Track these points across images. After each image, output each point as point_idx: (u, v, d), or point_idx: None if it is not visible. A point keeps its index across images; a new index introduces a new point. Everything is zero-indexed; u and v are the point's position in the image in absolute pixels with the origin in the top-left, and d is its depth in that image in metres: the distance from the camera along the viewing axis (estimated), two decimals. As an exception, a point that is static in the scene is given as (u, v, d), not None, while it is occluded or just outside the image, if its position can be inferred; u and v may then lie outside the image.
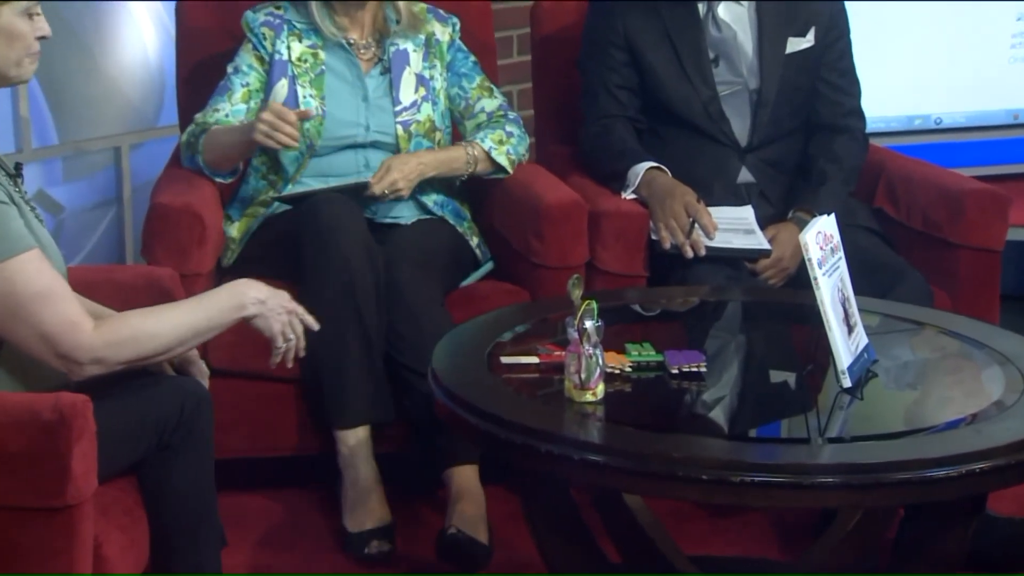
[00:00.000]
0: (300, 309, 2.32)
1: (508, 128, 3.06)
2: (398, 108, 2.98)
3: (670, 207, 3.00)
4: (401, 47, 3.00)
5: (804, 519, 2.85)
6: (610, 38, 3.15)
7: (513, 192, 3.06)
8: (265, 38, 2.96)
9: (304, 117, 2.83)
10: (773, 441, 2.27)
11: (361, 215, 2.82)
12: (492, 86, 3.12)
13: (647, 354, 2.38)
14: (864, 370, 2.36)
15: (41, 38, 2.23)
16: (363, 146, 2.98)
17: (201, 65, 3.26)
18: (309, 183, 2.94)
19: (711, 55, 3.12)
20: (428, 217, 3.02)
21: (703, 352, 2.38)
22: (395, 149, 2.98)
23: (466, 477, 2.76)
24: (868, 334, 2.41)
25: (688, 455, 2.06)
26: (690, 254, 2.97)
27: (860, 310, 2.40)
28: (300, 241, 2.77)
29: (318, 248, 2.74)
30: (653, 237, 3.04)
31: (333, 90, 2.96)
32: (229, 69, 2.98)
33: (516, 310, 2.72)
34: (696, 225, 2.98)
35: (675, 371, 2.34)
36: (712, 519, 2.91)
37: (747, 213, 3.07)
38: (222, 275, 2.90)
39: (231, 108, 2.95)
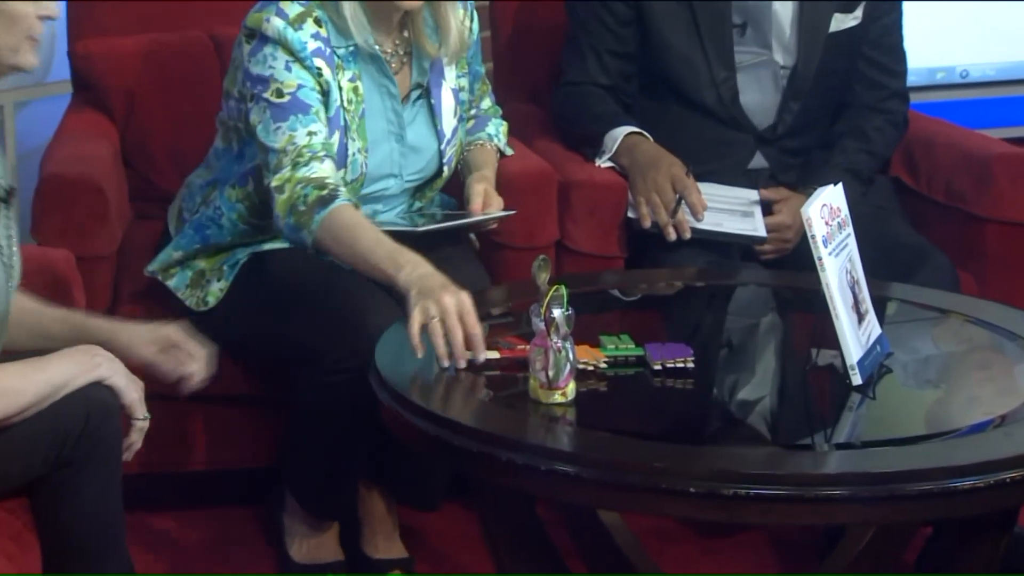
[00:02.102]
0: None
1: (501, 117, 3.04)
2: (444, 145, 2.81)
3: (653, 179, 3.01)
4: (435, 55, 2.80)
5: (808, 538, 2.88)
6: None
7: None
8: (320, 74, 2.68)
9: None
10: (771, 447, 2.29)
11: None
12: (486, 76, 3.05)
13: (625, 348, 2.40)
14: (877, 365, 2.39)
15: (46, 18, 2.20)
16: (384, 198, 2.81)
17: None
18: None
19: (737, 20, 3.09)
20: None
21: (689, 345, 2.40)
22: (425, 187, 2.85)
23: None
24: (881, 323, 2.44)
25: (673, 464, 2.08)
26: (673, 236, 2.98)
27: (872, 295, 2.42)
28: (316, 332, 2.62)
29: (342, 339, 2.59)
30: (631, 215, 3.05)
31: (371, 134, 2.74)
32: (289, 79, 2.65)
33: (474, 298, 2.73)
34: (683, 202, 3.00)
35: (658, 367, 2.36)
36: (701, 539, 2.93)
37: (750, 194, 3.09)
38: (195, 319, 2.73)
39: (325, 129, 2.66)
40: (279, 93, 2.67)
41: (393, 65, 2.78)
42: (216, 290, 2.77)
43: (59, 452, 2.21)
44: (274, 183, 2.63)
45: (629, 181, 3.06)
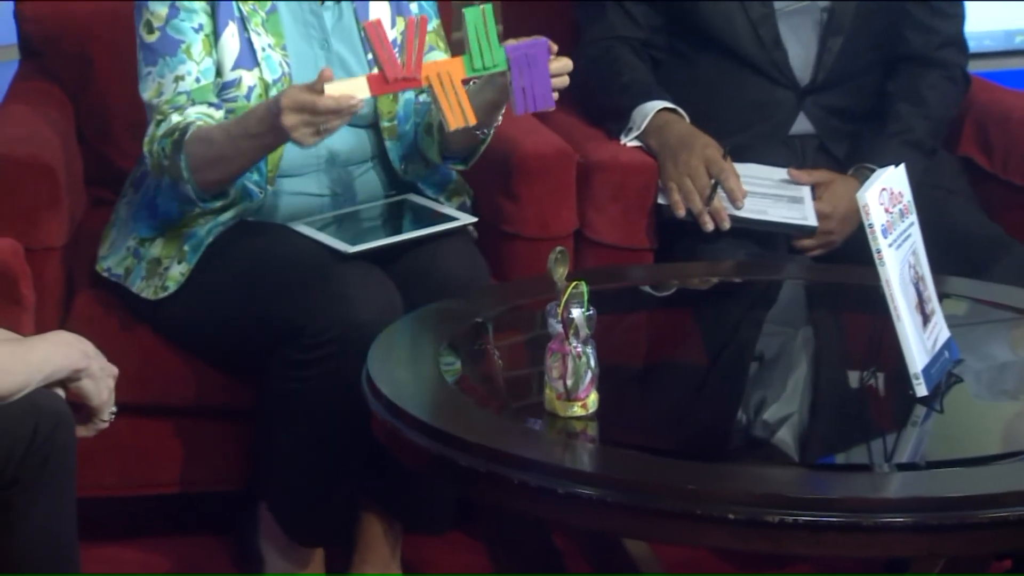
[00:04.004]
0: (115, 370, 2.36)
1: None
2: (372, 56, 2.86)
3: (685, 162, 3.02)
4: None
5: (865, 573, 2.89)
6: None
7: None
8: None
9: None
10: (824, 469, 2.29)
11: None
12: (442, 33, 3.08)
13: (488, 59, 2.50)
14: (944, 374, 2.40)
15: None
16: None
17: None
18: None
19: None
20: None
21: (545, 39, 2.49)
22: (372, 120, 2.89)
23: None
24: (950, 326, 2.45)
25: (710, 487, 2.08)
26: (710, 226, 2.99)
27: (939, 294, 2.43)
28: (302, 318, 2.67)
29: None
30: (661, 201, 3.06)
31: (289, 35, 2.83)
32: (159, 9, 2.77)
33: (480, 295, 2.74)
34: (720, 188, 3.01)
35: (516, 54, 2.49)
36: (743, 572, 2.94)
37: (793, 176, 3.10)
38: (149, 309, 2.83)
39: (199, 69, 2.77)
40: (149, 28, 2.79)
41: None
42: (176, 274, 2.80)
43: (3, 470, 2.21)
44: (144, 147, 2.77)
45: (659, 163, 3.06)
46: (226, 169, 2.70)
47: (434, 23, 2.95)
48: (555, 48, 2.59)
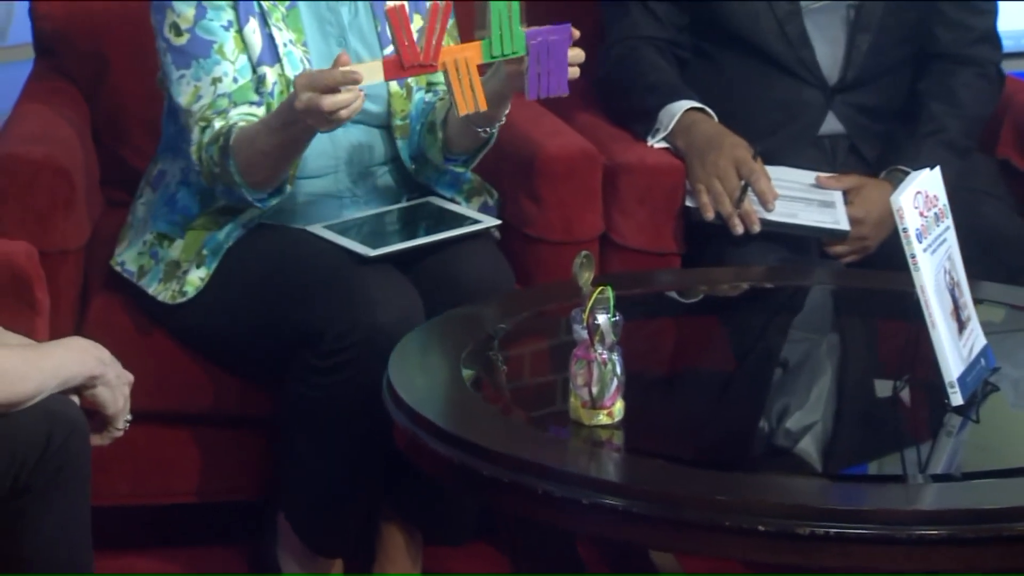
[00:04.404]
0: (131, 376, 2.37)
1: None
2: (389, 51, 2.87)
3: (714, 163, 3.02)
4: None
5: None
6: None
7: (500, 139, 3.07)
8: None
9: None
10: (856, 479, 2.29)
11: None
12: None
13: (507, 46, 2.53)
14: (980, 382, 2.39)
15: None
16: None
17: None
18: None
19: None
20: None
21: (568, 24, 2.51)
22: (385, 120, 2.90)
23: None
24: (986, 333, 2.43)
25: (739, 498, 2.08)
26: (740, 229, 2.99)
27: (975, 300, 2.42)
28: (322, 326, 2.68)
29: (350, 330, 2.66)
30: (689, 203, 3.05)
31: (308, 30, 2.84)
32: (185, 10, 2.77)
33: (503, 300, 2.74)
34: (750, 190, 3.00)
35: (536, 41, 2.50)
36: (771, 587, 2.94)
37: (825, 181, 3.09)
38: (166, 313, 2.83)
39: (235, 68, 2.77)
40: (177, 30, 2.77)
41: None
42: (195, 279, 2.80)
43: (16, 477, 2.21)
44: (192, 156, 2.75)
45: (686, 166, 3.06)
46: (272, 165, 2.70)
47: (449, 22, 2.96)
48: (577, 34, 2.59)
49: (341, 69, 2.53)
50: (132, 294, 2.88)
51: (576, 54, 2.61)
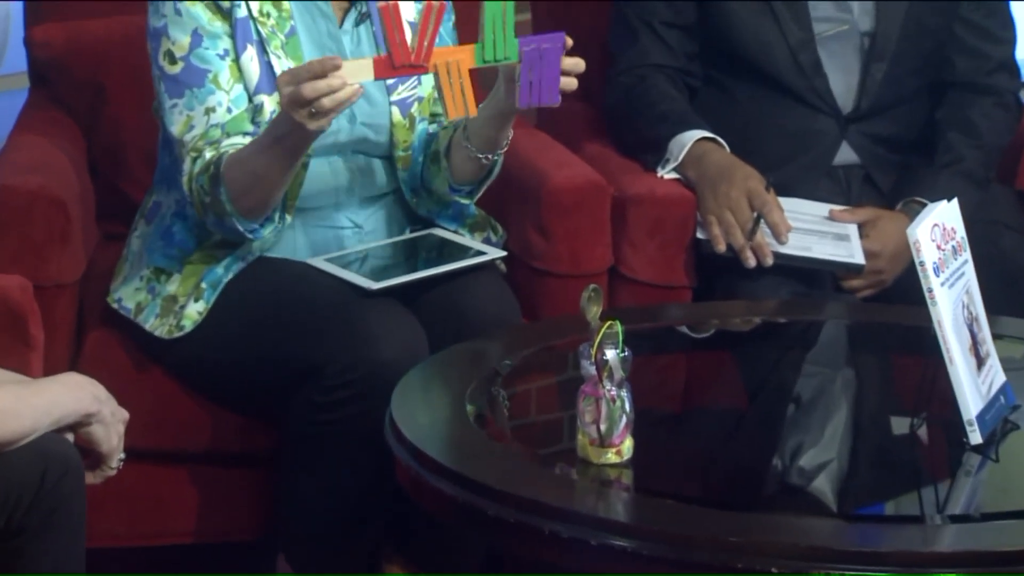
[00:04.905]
0: (126, 414, 2.37)
1: None
2: (391, 81, 2.87)
3: (725, 194, 3.02)
4: None
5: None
6: None
7: (507, 169, 3.08)
8: None
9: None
10: (873, 520, 2.28)
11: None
12: None
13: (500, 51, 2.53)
14: (1000, 420, 2.38)
15: None
16: (341, 150, 2.89)
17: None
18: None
19: None
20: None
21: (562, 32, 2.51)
22: (386, 150, 2.90)
23: None
24: (1005, 369, 2.43)
25: (751, 539, 2.07)
26: (752, 262, 2.98)
27: (994, 335, 2.42)
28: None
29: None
30: (700, 235, 3.05)
31: (308, 58, 2.83)
32: (180, 38, 2.77)
33: (510, 335, 2.73)
34: (762, 222, 3.00)
35: (529, 48, 2.50)
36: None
37: (840, 213, 3.09)
38: (163, 349, 2.84)
39: (230, 98, 2.78)
40: (172, 58, 2.77)
41: None
42: (193, 312, 2.80)
43: (10, 518, 2.21)
44: (184, 187, 2.76)
45: (698, 196, 3.06)
46: (264, 188, 2.69)
47: (449, 21, 2.97)
48: (570, 43, 2.58)
49: (322, 58, 2.54)
50: (128, 329, 2.88)
51: (575, 63, 2.61)
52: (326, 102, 2.53)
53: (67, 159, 3.06)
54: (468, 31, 3.10)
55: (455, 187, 2.87)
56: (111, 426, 2.33)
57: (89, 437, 2.32)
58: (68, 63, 3.27)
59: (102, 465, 2.35)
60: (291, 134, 2.60)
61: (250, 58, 2.79)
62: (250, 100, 2.79)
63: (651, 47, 3.18)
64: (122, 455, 2.36)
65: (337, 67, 2.53)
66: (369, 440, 2.55)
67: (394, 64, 2.53)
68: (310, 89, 2.52)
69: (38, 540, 2.23)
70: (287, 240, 2.85)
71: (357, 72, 2.53)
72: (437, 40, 2.59)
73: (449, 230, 2.92)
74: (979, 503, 2.31)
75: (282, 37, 2.81)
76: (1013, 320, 2.73)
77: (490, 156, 2.80)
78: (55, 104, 3.28)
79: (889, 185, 3.18)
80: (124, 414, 2.36)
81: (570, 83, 2.60)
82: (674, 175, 3.11)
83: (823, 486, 2.34)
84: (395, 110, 2.88)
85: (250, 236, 2.76)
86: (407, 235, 2.92)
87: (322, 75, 2.52)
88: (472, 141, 2.78)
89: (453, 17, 2.97)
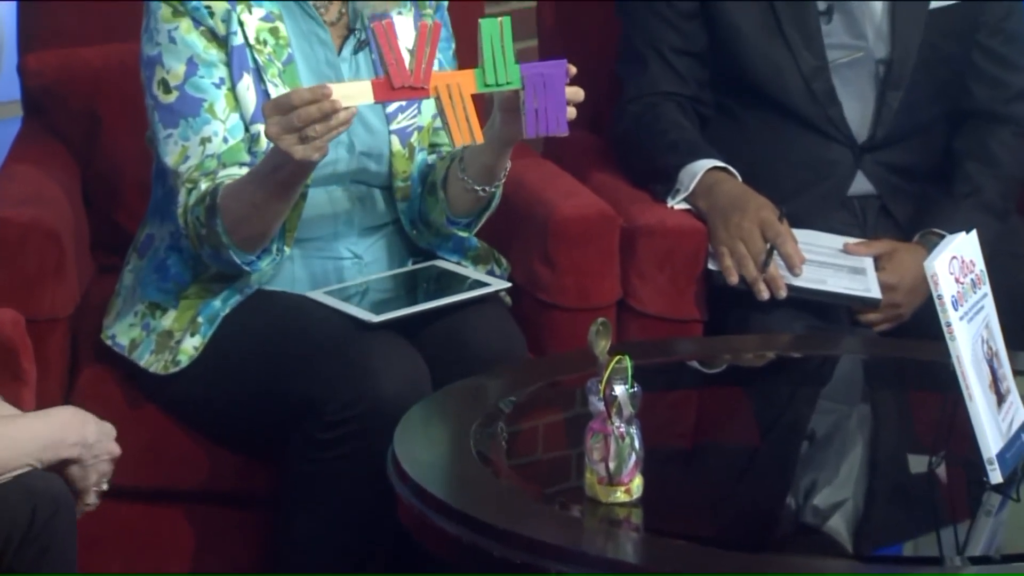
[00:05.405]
0: (116, 451, 2.36)
1: None
2: (391, 109, 2.91)
3: (738, 225, 3.02)
4: (379, 9, 2.88)
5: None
6: None
7: (512, 200, 3.08)
8: (212, 13, 2.78)
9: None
10: (890, 561, 2.27)
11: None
12: None
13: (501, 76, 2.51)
14: (1021, 458, 2.37)
15: None
16: (340, 180, 2.89)
17: (54, 15, 3.28)
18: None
19: (821, 5, 3.13)
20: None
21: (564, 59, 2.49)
22: (386, 180, 2.90)
23: None
24: (1026, 405, 2.43)
25: (766, 581, 2.07)
26: (765, 295, 2.98)
27: (1015, 371, 2.41)
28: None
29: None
30: (712, 267, 3.05)
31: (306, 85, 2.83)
32: (175, 67, 2.77)
33: (515, 370, 2.73)
34: (776, 254, 2.99)
35: (531, 72, 2.48)
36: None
37: (855, 245, 3.09)
38: (158, 385, 2.83)
39: (226, 128, 2.77)
40: (166, 87, 2.78)
41: (322, 12, 2.84)
42: (189, 348, 2.79)
43: (0, 557, 2.20)
44: (179, 219, 2.76)
45: (709, 228, 3.06)
46: (262, 219, 2.69)
47: (449, 49, 2.97)
48: (573, 71, 2.58)
49: (311, 87, 2.53)
50: (122, 365, 2.87)
51: (574, 92, 2.60)
52: (319, 128, 2.53)
53: (61, 190, 3.07)
54: (468, 59, 3.11)
55: (453, 219, 2.87)
56: (89, 467, 2.31)
57: (67, 475, 2.31)
58: (62, 91, 3.28)
59: (78, 501, 2.33)
60: (286, 165, 2.60)
61: (246, 86, 2.79)
62: (247, 129, 2.79)
63: (661, 74, 3.18)
64: (105, 485, 2.34)
65: (327, 96, 2.52)
66: (370, 478, 2.54)
67: (393, 86, 2.52)
68: (303, 115, 2.52)
69: (29, 580, 2.23)
70: (286, 272, 2.85)
71: (355, 95, 2.52)
72: (437, 67, 2.58)
73: (451, 261, 2.92)
74: (1000, 544, 2.30)
75: (279, 65, 2.81)
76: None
77: (488, 188, 2.79)
78: (49, 133, 3.29)
79: (906, 216, 3.17)
80: (114, 451, 2.35)
81: (570, 112, 2.59)
82: (684, 205, 3.11)
83: (838, 526, 2.34)
84: (395, 139, 2.88)
85: (247, 268, 2.75)
86: (408, 267, 2.91)
87: (313, 102, 2.52)
88: (469, 172, 2.77)
89: (453, 45, 2.97)
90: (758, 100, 3.16)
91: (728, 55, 3.16)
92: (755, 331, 2.97)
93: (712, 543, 2.19)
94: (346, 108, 2.53)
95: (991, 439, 2.30)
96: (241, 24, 2.79)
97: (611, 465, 2.23)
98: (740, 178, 3.09)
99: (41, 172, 3.11)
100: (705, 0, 3.15)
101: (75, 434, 2.30)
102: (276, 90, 2.79)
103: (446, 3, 2.97)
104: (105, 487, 2.37)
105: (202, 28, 2.78)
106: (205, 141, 2.76)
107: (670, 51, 3.18)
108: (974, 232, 2.41)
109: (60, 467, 2.31)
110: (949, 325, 2.29)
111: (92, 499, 2.35)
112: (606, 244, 3.03)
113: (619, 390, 2.24)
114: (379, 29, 2.50)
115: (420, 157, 2.91)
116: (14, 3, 3.29)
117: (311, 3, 2.85)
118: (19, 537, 2.21)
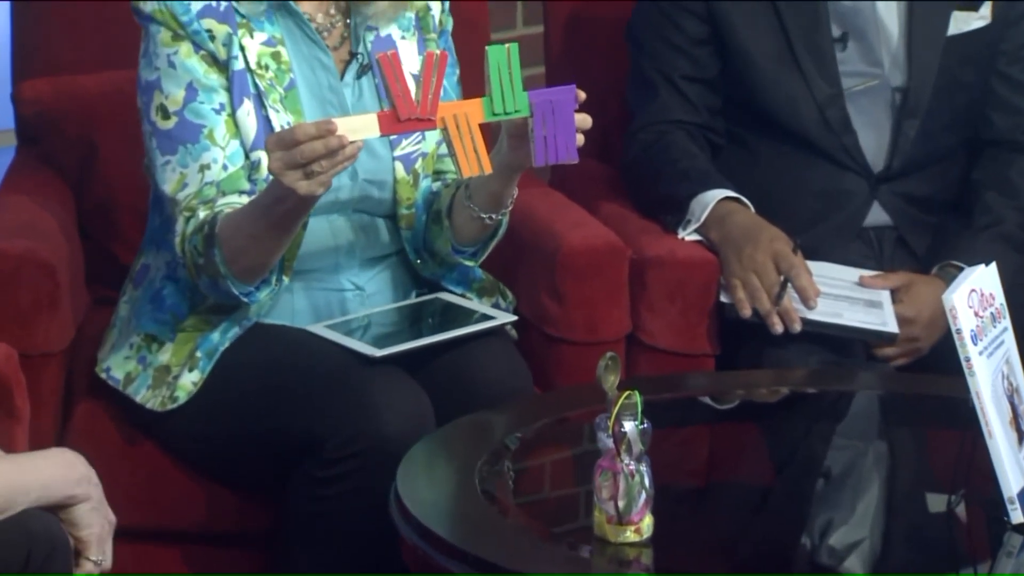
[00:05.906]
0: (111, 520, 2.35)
1: None
2: (395, 135, 2.85)
3: (751, 257, 3.02)
4: (383, 32, 2.91)
5: None
6: (681, 1, 3.17)
7: (518, 230, 3.08)
8: (214, 37, 2.78)
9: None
10: (907, 603, 2.27)
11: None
12: None
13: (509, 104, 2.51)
14: (1043, 497, 2.37)
15: None
16: (342, 208, 2.89)
17: (49, 42, 3.28)
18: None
19: (836, 32, 3.14)
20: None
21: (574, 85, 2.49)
22: (390, 209, 2.90)
23: None
24: (1048, 442, 2.42)
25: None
26: (779, 328, 2.98)
27: (1036, 407, 2.41)
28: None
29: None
30: (724, 300, 3.05)
31: (309, 113, 2.82)
32: (175, 92, 2.77)
33: (521, 405, 2.72)
34: (790, 286, 2.99)
35: (540, 99, 2.49)
36: None
37: (873, 280, 3.09)
38: (155, 421, 2.83)
39: (225, 155, 2.78)
40: (165, 113, 2.78)
41: (325, 36, 2.84)
42: (188, 383, 2.79)
43: (-8, 602, 2.20)
44: (177, 248, 2.76)
45: (721, 259, 3.06)
46: (262, 249, 2.69)
47: (454, 76, 2.98)
48: (583, 96, 2.58)
49: (316, 122, 2.53)
50: (118, 401, 2.87)
51: (582, 119, 2.60)
52: (324, 164, 2.53)
53: (55, 220, 3.07)
54: (474, 87, 3.12)
55: (458, 248, 2.87)
56: (99, 510, 2.30)
57: (71, 519, 2.30)
58: (57, 120, 3.28)
59: (79, 557, 2.32)
60: (288, 198, 2.60)
61: (247, 112, 2.79)
62: (247, 156, 2.79)
63: (671, 102, 3.19)
64: (102, 559, 2.32)
65: (332, 131, 2.52)
66: (372, 517, 2.54)
67: (399, 118, 2.52)
68: (307, 152, 2.52)
69: (23, 626, 2.22)
70: (285, 304, 2.84)
71: (361, 129, 2.52)
72: (442, 95, 2.59)
73: (456, 293, 2.92)
74: (1022, 586, 2.30)
75: (281, 90, 2.81)
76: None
77: (494, 216, 2.79)
78: (43, 163, 3.29)
79: (923, 247, 3.17)
80: (110, 517, 2.33)
81: (578, 139, 2.59)
82: (696, 236, 3.11)
83: (855, 566, 2.33)
84: (399, 166, 2.88)
85: (245, 300, 2.75)
86: (412, 299, 2.91)
87: (318, 138, 2.52)
88: (475, 200, 2.77)
89: (458, 71, 2.97)
90: (771, 128, 3.16)
91: (740, 82, 3.17)
92: (768, 365, 2.97)
93: (725, 584, 2.20)
94: (352, 142, 2.53)
95: (1012, 477, 2.30)
96: (242, 48, 2.80)
97: (620, 504, 2.23)
98: (753, 208, 3.09)
99: (35, 202, 3.11)
100: (716, 26, 3.16)
101: (79, 474, 2.29)
102: (277, 116, 2.79)
103: (450, 28, 2.97)
104: (107, 563, 2.34)
105: (202, 52, 2.78)
106: (204, 168, 2.76)
107: (681, 79, 3.18)
108: (994, 264, 2.40)
109: (64, 512, 2.30)
110: (968, 360, 2.28)
111: (94, 554, 2.31)
112: (615, 276, 3.02)
113: (628, 426, 2.23)
114: (384, 61, 2.50)
115: (424, 184, 2.91)
116: (8, 29, 3.30)
117: (314, 27, 2.85)
118: (13, 578, 2.21)
